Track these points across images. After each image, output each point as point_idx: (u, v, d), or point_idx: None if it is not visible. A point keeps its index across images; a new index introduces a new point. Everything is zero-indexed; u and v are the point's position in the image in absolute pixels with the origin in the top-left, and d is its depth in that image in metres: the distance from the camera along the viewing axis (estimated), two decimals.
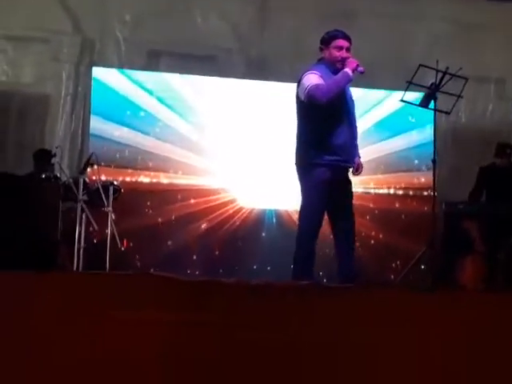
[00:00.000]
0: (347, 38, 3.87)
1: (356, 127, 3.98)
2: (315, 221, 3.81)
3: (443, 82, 4.06)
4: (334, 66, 3.84)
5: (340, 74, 3.77)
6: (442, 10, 6.59)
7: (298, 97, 3.85)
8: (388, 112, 6.27)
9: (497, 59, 6.67)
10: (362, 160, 4.00)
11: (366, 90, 5.89)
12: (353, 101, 3.95)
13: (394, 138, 6.35)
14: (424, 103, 4.13)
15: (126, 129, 5.88)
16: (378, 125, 6.26)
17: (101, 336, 2.21)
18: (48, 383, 2.12)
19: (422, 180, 6.13)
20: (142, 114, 5.93)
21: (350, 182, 3.95)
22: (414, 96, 4.42)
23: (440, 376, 2.31)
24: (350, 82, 3.80)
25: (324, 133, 3.77)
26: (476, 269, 5.00)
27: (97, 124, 5.84)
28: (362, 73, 3.77)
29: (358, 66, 3.75)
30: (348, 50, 3.86)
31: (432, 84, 4.09)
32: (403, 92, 4.05)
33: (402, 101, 4.07)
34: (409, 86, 4.01)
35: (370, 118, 6.20)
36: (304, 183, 3.84)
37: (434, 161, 4.16)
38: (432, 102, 4.15)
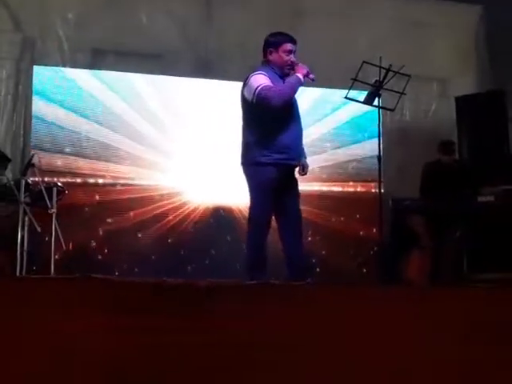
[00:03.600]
0: (294, 42, 3.89)
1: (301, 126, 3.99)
2: (264, 220, 3.82)
3: (387, 80, 4.12)
4: (281, 70, 3.87)
5: (293, 79, 3.80)
6: (387, 8, 6.69)
7: (244, 97, 3.84)
8: (339, 121, 6.40)
9: (439, 58, 6.82)
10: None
11: (321, 92, 5.99)
12: (295, 99, 3.96)
13: (344, 147, 6.46)
14: (368, 101, 4.18)
15: (69, 129, 5.75)
16: (332, 132, 6.38)
17: (42, 343, 2.14)
18: None
19: (370, 178, 6.23)
20: (85, 112, 5.81)
21: (296, 181, 3.98)
22: (357, 94, 4.48)
23: (389, 373, 2.32)
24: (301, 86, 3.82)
25: (272, 132, 3.78)
26: (422, 263, 5.10)
27: (39, 123, 5.70)
28: (313, 80, 3.81)
29: (308, 72, 3.79)
30: (294, 53, 3.88)
31: (376, 81, 4.14)
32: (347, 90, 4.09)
33: (346, 98, 4.11)
34: (353, 83, 4.05)
35: (321, 127, 6.31)
36: (252, 182, 3.84)
37: (379, 158, 4.21)
38: (376, 99, 4.21)
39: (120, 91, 5.93)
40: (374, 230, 5.29)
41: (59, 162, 5.70)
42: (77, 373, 2.11)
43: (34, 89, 5.74)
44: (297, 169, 3.97)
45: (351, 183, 6.43)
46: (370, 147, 6.12)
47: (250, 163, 3.83)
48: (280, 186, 3.80)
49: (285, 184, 3.85)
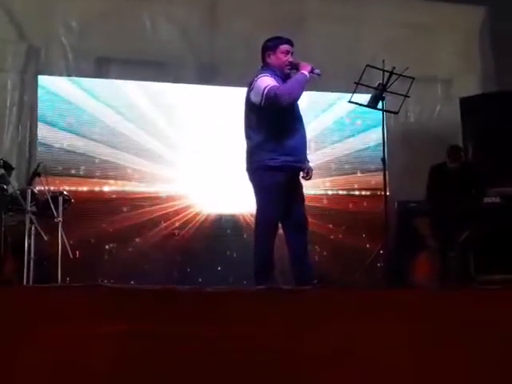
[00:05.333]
0: (291, 44, 3.94)
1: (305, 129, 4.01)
2: (272, 225, 3.83)
3: (390, 82, 4.13)
4: (281, 71, 3.89)
5: (298, 76, 3.81)
6: (390, 10, 6.70)
7: (249, 100, 3.85)
8: (339, 115, 6.33)
9: (443, 59, 6.81)
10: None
11: (316, 93, 5.95)
12: (297, 103, 3.97)
13: (346, 140, 6.40)
14: (372, 104, 4.19)
15: (75, 137, 5.77)
16: (329, 128, 6.31)
17: (49, 351, 2.15)
18: None
19: (375, 180, 6.20)
20: (91, 122, 5.82)
21: (301, 184, 3.98)
22: (364, 98, 4.47)
23: (398, 376, 2.31)
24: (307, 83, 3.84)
25: (279, 135, 3.79)
26: (429, 266, 5.09)
27: (44, 133, 5.72)
28: (319, 75, 3.83)
29: (313, 68, 3.82)
30: (292, 54, 3.92)
31: (379, 84, 4.15)
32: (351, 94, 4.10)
33: (350, 102, 4.12)
34: (357, 87, 4.06)
35: (322, 121, 6.25)
36: (259, 187, 3.84)
37: (383, 160, 4.22)
38: (380, 102, 4.21)
39: (124, 99, 5.93)
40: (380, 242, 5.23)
41: (65, 182, 5.69)
42: (88, 380, 2.11)
43: (38, 98, 5.76)
44: (301, 173, 3.98)
45: (356, 186, 6.40)
46: (373, 148, 6.14)
47: (256, 167, 3.84)
48: (287, 189, 3.81)
49: (291, 187, 3.86)
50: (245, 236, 5.88)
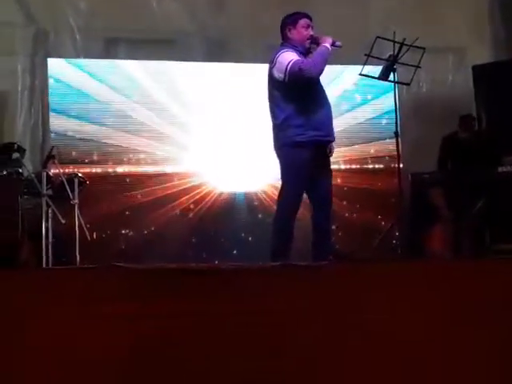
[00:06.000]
0: (310, 18, 3.93)
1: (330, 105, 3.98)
2: (295, 202, 3.82)
3: (401, 54, 4.09)
4: (302, 46, 3.88)
5: (320, 50, 3.80)
6: None
7: (272, 77, 3.83)
8: (348, 85, 6.26)
9: (454, 28, 6.70)
10: None
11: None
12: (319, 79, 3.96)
13: (356, 109, 6.33)
14: (383, 76, 4.16)
15: (85, 120, 5.75)
16: (339, 98, 6.24)
17: (66, 332, 2.18)
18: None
19: (387, 151, 6.14)
20: (101, 104, 5.80)
21: (329, 159, 3.97)
22: (375, 69, 4.43)
23: (415, 350, 2.31)
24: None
25: (306, 110, 3.77)
26: (444, 236, 5.08)
27: (56, 117, 5.71)
28: (340, 47, 3.83)
29: (334, 41, 3.81)
30: (312, 28, 3.90)
31: (390, 56, 4.12)
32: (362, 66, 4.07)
33: (361, 74, 4.08)
34: (367, 59, 4.03)
35: (331, 92, 6.19)
36: (286, 164, 3.83)
37: (396, 133, 4.19)
38: (392, 74, 4.18)
39: (133, 80, 5.91)
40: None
41: (79, 152, 5.73)
42: (104, 359, 2.15)
43: (49, 82, 5.76)
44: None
45: (369, 160, 6.34)
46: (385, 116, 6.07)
47: (283, 144, 3.82)
48: (314, 164, 3.79)
49: (318, 162, 3.84)
50: (260, 216, 5.89)
